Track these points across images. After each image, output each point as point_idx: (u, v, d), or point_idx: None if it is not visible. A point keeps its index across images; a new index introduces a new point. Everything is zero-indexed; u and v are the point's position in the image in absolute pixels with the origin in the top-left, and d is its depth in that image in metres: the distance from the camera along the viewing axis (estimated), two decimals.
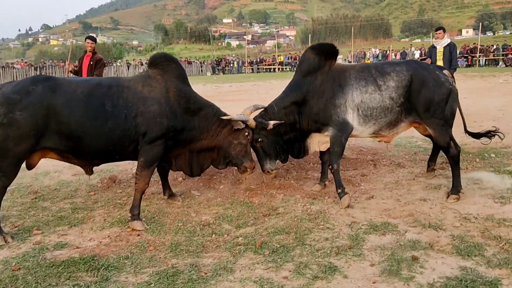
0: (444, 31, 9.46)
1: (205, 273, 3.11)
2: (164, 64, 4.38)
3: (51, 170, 5.98)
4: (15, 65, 33.06)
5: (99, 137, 3.94)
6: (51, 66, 33.65)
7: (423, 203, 4.47)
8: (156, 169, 4.50)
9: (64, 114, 3.79)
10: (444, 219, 4.02)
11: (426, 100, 4.57)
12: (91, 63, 7.57)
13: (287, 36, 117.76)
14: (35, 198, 4.86)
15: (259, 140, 4.74)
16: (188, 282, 2.98)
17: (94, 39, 7.89)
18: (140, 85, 4.20)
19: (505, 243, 3.44)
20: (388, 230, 3.79)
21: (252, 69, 42.98)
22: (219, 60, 45.95)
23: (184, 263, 3.28)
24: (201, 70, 42.47)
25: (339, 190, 4.52)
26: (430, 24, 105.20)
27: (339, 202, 4.47)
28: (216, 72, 42.97)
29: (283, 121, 4.75)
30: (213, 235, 3.79)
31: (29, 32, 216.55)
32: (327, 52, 4.82)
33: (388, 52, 38.36)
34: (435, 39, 9.62)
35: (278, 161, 4.98)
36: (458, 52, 9.62)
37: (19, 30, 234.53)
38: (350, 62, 39.91)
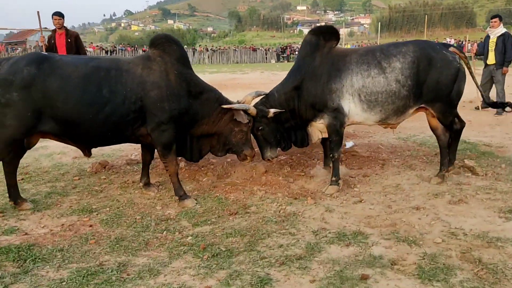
0: (501, 19, 8.68)
1: (128, 275, 2.89)
2: (165, 45, 4.22)
3: (56, 152, 6.06)
4: (87, 48, 34.72)
5: (96, 123, 3.85)
6: (121, 50, 34.98)
7: (415, 212, 3.94)
8: (141, 153, 4.59)
9: (59, 99, 3.73)
10: (428, 233, 3.50)
11: (433, 81, 4.36)
12: (69, 40, 7.26)
13: (362, 25, 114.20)
14: (22, 179, 4.90)
15: (260, 128, 4.63)
16: (102, 284, 2.77)
17: (62, 15, 7.35)
18: (140, 68, 4.06)
19: (481, 269, 2.90)
20: (355, 241, 3.36)
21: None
22: (284, 47, 45.47)
23: (115, 261, 3.08)
24: (266, 58, 42.26)
25: (333, 178, 4.52)
26: None
27: (327, 187, 4.46)
28: (281, 60, 42.59)
29: (284, 109, 4.59)
30: (164, 232, 3.56)
31: (113, 17, 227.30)
32: (326, 33, 4.63)
33: (464, 42, 35.76)
34: (490, 27, 8.80)
35: (279, 148, 4.87)
36: None
37: (104, 15, 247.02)
38: None
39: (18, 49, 30.41)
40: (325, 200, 4.27)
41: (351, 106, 4.44)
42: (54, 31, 7.38)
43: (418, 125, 7.35)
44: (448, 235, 3.46)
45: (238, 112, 4.39)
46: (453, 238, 3.40)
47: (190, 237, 3.46)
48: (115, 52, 33.80)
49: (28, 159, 5.73)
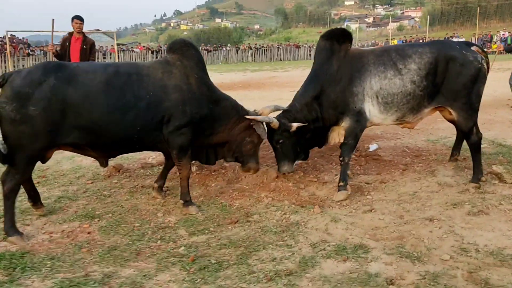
0: None
1: (109, 287, 2.84)
2: (183, 49, 4.17)
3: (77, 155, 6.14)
4: (134, 49, 35.65)
5: (121, 129, 3.79)
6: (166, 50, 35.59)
7: (427, 223, 3.67)
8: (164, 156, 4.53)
9: (83, 108, 3.62)
10: (436, 248, 3.24)
11: (451, 82, 4.28)
12: (84, 46, 7.14)
13: (412, 18, 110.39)
14: (38, 182, 4.99)
15: (280, 141, 4.49)
16: None
17: (82, 19, 7.20)
18: (160, 72, 4.02)
19: None
20: (354, 256, 3.15)
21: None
22: None
23: (102, 271, 3.03)
24: (310, 55, 41.70)
25: (341, 183, 4.31)
26: None
27: (336, 194, 4.29)
28: None
29: (307, 122, 4.45)
30: (159, 241, 3.49)
31: (163, 18, 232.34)
32: (339, 36, 4.52)
33: None
34: None
35: (297, 161, 4.73)
36: None
37: (155, 16, 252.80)
38: None
39: (37, 51, 31.37)
40: (333, 209, 4.06)
41: (370, 108, 4.38)
42: (71, 34, 7.25)
43: (452, 126, 6.91)
44: (458, 251, 3.18)
45: (259, 124, 4.31)
46: (463, 255, 3.13)
47: (183, 248, 3.36)
48: (160, 51, 34.42)
49: (49, 161, 5.83)
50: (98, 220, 3.92)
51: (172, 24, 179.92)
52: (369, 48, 4.85)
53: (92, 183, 5.00)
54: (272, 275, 2.92)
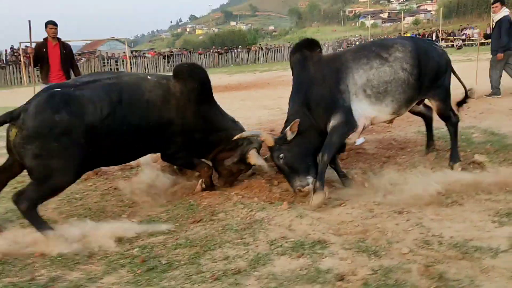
0: (503, 3, 8.45)
1: None
2: (187, 78, 4.14)
3: None
4: (146, 54, 35.98)
5: (126, 148, 3.91)
6: (178, 55, 35.82)
7: (396, 216, 3.52)
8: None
9: (101, 134, 3.63)
10: (398, 242, 3.08)
11: (432, 72, 4.33)
12: (64, 51, 7.15)
13: (429, 11, 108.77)
14: (15, 188, 4.95)
15: (281, 155, 4.04)
16: None
17: (56, 24, 7.14)
18: (160, 101, 3.98)
19: (437, 286, 2.47)
20: (310, 252, 3.01)
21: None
22: (341, 41, 44.39)
23: (50, 275, 2.95)
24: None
25: (317, 184, 3.86)
26: None
27: (311, 198, 3.85)
28: None
29: (300, 124, 4.04)
30: (115, 243, 3.41)
31: (179, 23, 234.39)
32: (307, 45, 4.44)
33: None
34: (492, 13, 8.76)
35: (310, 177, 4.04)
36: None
37: (171, 22, 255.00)
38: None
39: (82, 59, 32.03)
40: (302, 205, 3.93)
41: (357, 104, 4.18)
42: (45, 40, 7.19)
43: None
44: (419, 244, 3.02)
45: (253, 153, 4.28)
46: (424, 248, 2.96)
47: (137, 249, 3.27)
48: (172, 56, 34.68)
49: None
50: (62, 224, 3.86)
51: (188, 29, 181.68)
52: (343, 49, 4.82)
53: None
54: (219, 275, 2.80)
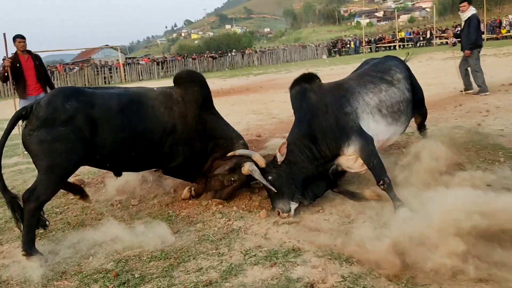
0: (470, 2, 8.84)
1: None
2: (187, 84, 4.26)
3: None
4: (140, 61, 35.94)
5: (129, 153, 3.97)
6: (172, 60, 35.80)
7: (372, 221, 3.51)
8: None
9: (106, 128, 3.78)
10: (372, 248, 3.07)
11: (417, 87, 4.69)
12: (37, 63, 7.19)
13: (424, 9, 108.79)
14: None
15: (269, 178, 3.92)
16: None
17: (24, 37, 7.13)
18: (163, 108, 4.10)
19: None
20: (283, 261, 3.02)
21: (371, 48, 40.60)
22: (335, 41, 44.39)
23: None
24: (316, 54, 41.50)
25: (398, 203, 3.63)
26: None
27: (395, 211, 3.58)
28: (332, 55, 41.62)
29: (286, 142, 3.99)
30: (90, 258, 3.40)
31: (174, 28, 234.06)
32: (305, 78, 4.29)
33: None
34: (460, 12, 9.04)
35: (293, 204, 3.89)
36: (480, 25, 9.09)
37: (166, 27, 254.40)
38: (483, 32, 35.28)
39: (75, 68, 32.02)
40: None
41: (372, 123, 4.09)
42: (15, 54, 7.17)
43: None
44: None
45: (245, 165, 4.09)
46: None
47: (112, 263, 3.27)
48: (166, 62, 34.65)
49: (17, 181, 5.87)
50: (39, 239, 3.85)
51: (183, 34, 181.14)
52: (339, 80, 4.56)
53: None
54: (191, 287, 2.80)
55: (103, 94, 3.93)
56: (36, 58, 7.27)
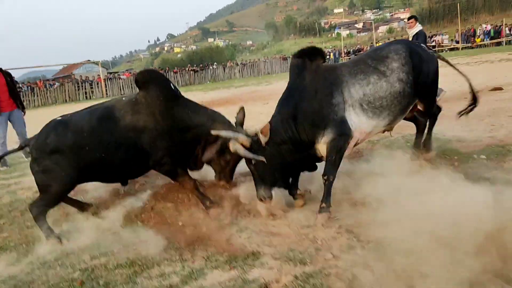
0: (417, 19, 9.35)
1: None
2: (147, 85, 4.40)
3: (24, 187, 6.21)
4: (121, 76, 35.95)
5: (113, 165, 4.28)
6: None
7: (330, 224, 3.69)
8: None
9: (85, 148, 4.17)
10: (325, 249, 3.25)
11: (427, 76, 4.41)
12: (8, 79, 7.36)
13: (402, 20, 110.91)
14: None
15: (252, 161, 3.98)
16: None
17: None
18: (130, 114, 4.28)
19: None
20: (242, 264, 3.18)
21: (350, 59, 41.20)
22: None
23: None
24: None
25: (323, 205, 3.86)
26: None
27: (316, 217, 3.82)
28: None
29: (281, 136, 4.02)
30: (58, 268, 3.51)
31: (157, 42, 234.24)
32: (310, 53, 4.29)
33: (501, 27, 33.97)
34: (408, 28, 9.55)
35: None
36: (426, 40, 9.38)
37: (149, 41, 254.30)
38: (458, 42, 36.22)
39: (56, 84, 31.89)
40: (245, 218, 4.08)
41: (354, 117, 4.11)
42: None
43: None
44: (344, 250, 3.20)
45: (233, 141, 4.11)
46: (347, 253, 3.14)
47: (78, 272, 3.39)
48: None
49: None
50: (10, 251, 3.95)
51: (166, 48, 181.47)
52: (340, 63, 4.82)
53: (21, 215, 5.02)
54: None
55: (77, 119, 4.31)
56: (7, 74, 7.44)
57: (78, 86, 31.24)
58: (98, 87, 31.90)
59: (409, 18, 9.56)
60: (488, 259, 2.68)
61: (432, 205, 3.30)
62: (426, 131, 4.92)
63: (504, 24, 34.01)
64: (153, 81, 4.42)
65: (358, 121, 4.11)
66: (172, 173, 4.48)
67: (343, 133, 4.00)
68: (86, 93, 31.31)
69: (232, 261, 3.25)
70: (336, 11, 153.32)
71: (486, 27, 35.30)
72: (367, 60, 4.31)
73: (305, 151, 4.11)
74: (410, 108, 4.49)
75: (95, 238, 3.99)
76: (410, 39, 9.25)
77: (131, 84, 33.10)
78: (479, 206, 3.13)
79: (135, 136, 4.23)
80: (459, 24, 38.64)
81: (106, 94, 31.39)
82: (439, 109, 4.85)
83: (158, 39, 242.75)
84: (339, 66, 4.41)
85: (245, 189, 4.55)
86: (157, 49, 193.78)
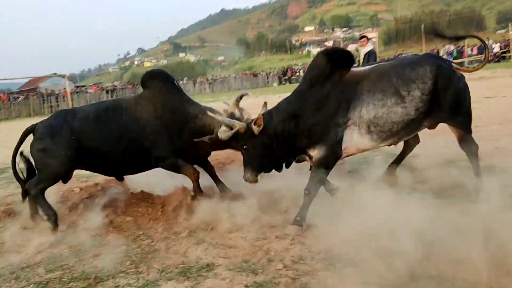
0: (368, 39, 9.91)
1: None
2: (148, 82, 4.84)
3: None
4: (88, 90, 35.53)
5: (114, 155, 4.64)
6: (122, 88, 35.63)
7: (284, 237, 3.81)
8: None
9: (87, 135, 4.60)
10: (278, 260, 3.36)
11: (452, 98, 4.13)
12: None
13: (371, 39, 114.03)
14: None
15: (244, 146, 4.13)
16: None
17: None
18: (134, 106, 4.71)
19: None
20: (195, 275, 3.25)
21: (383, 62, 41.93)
22: (285, 70, 45.62)
23: None
24: (267, 82, 42.44)
25: (297, 218, 3.95)
26: None
27: (287, 226, 3.94)
28: (283, 83, 42.67)
29: (277, 133, 4.06)
30: (12, 281, 3.49)
31: (127, 56, 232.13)
32: (341, 59, 4.15)
33: (464, 47, 35.34)
34: (359, 46, 10.04)
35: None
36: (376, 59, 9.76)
37: (118, 55, 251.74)
38: None
39: (20, 97, 31.23)
40: (202, 232, 4.15)
41: (356, 136, 4.07)
42: None
43: None
44: (295, 260, 3.33)
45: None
46: (298, 263, 3.27)
47: (32, 285, 3.38)
48: (115, 91, 34.43)
49: None
50: None
51: (136, 62, 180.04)
52: (366, 69, 4.29)
53: None
54: None
55: (85, 109, 4.87)
56: None
57: (43, 100, 30.69)
58: (64, 100, 31.38)
59: (361, 37, 10.06)
60: (423, 269, 2.87)
61: (376, 220, 3.48)
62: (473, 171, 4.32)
63: (466, 45, 35.36)
64: (153, 78, 4.82)
65: (359, 140, 4.08)
66: (174, 167, 4.75)
67: (334, 153, 4.05)
68: (51, 106, 30.74)
69: (186, 272, 3.33)
70: (307, 29, 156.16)
71: (449, 48, 36.60)
72: (392, 76, 4.05)
73: (295, 152, 4.21)
74: (420, 129, 4.36)
75: (51, 252, 3.99)
76: (362, 57, 9.62)
77: (99, 98, 32.74)
78: (419, 220, 3.35)
79: (138, 128, 4.59)
80: (423, 44, 39.99)
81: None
82: (475, 145, 4.29)
83: (128, 53, 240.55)
84: (363, 79, 4.09)
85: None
86: (127, 63, 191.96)
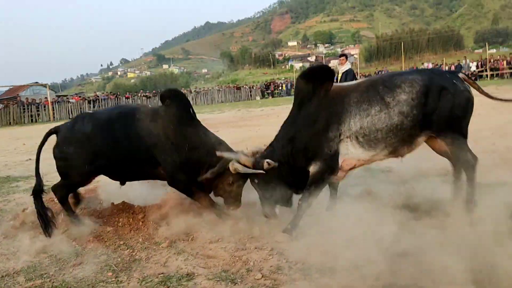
0: (347, 58, 10.22)
1: None
2: (167, 101, 4.73)
3: None
4: (70, 99, 35.22)
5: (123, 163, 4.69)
6: (104, 99, 35.41)
7: (262, 247, 3.89)
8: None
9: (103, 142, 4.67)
10: (257, 270, 3.44)
11: (444, 112, 4.00)
12: None
13: (352, 55, 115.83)
14: None
15: (255, 181, 4.23)
16: None
17: None
18: (149, 120, 4.65)
19: None
20: (176, 285, 3.31)
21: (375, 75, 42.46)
22: (268, 83, 46.02)
23: None
24: (250, 95, 42.72)
25: (289, 227, 4.09)
26: (505, 33, 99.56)
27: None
28: (266, 96, 43.02)
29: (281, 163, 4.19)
30: None
31: (110, 67, 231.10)
32: (320, 75, 4.22)
33: (442, 65, 36.26)
34: (339, 65, 10.21)
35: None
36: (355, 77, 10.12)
37: (101, 65, 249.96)
38: None
39: None
40: (182, 242, 4.21)
41: (352, 148, 4.11)
42: None
43: None
44: (273, 270, 3.41)
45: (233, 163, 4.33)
46: (276, 273, 3.35)
47: None
48: (97, 101, 34.21)
49: None
50: None
51: (119, 73, 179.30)
52: (355, 83, 4.39)
53: None
54: None
55: (99, 114, 4.94)
56: None
57: (24, 109, 30.30)
58: (45, 110, 31.07)
59: (340, 56, 10.36)
60: (398, 279, 3.00)
61: (348, 232, 3.61)
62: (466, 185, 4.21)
63: (444, 63, 36.31)
64: (174, 99, 4.73)
65: (355, 152, 4.13)
66: (185, 191, 4.75)
67: (330, 168, 4.12)
68: (31, 115, 30.40)
69: (166, 281, 3.38)
70: (290, 44, 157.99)
71: (428, 65, 37.53)
72: (379, 86, 4.10)
73: (301, 173, 4.24)
74: (419, 139, 4.16)
75: (31, 261, 4.00)
76: (340, 76, 9.81)
77: (80, 108, 32.44)
78: (387, 232, 3.50)
79: (148, 140, 4.57)
80: (403, 62, 40.87)
81: (54, 117, 30.61)
82: (474, 158, 4.16)
83: (111, 63, 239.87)
84: (351, 91, 4.16)
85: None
86: (110, 73, 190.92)
